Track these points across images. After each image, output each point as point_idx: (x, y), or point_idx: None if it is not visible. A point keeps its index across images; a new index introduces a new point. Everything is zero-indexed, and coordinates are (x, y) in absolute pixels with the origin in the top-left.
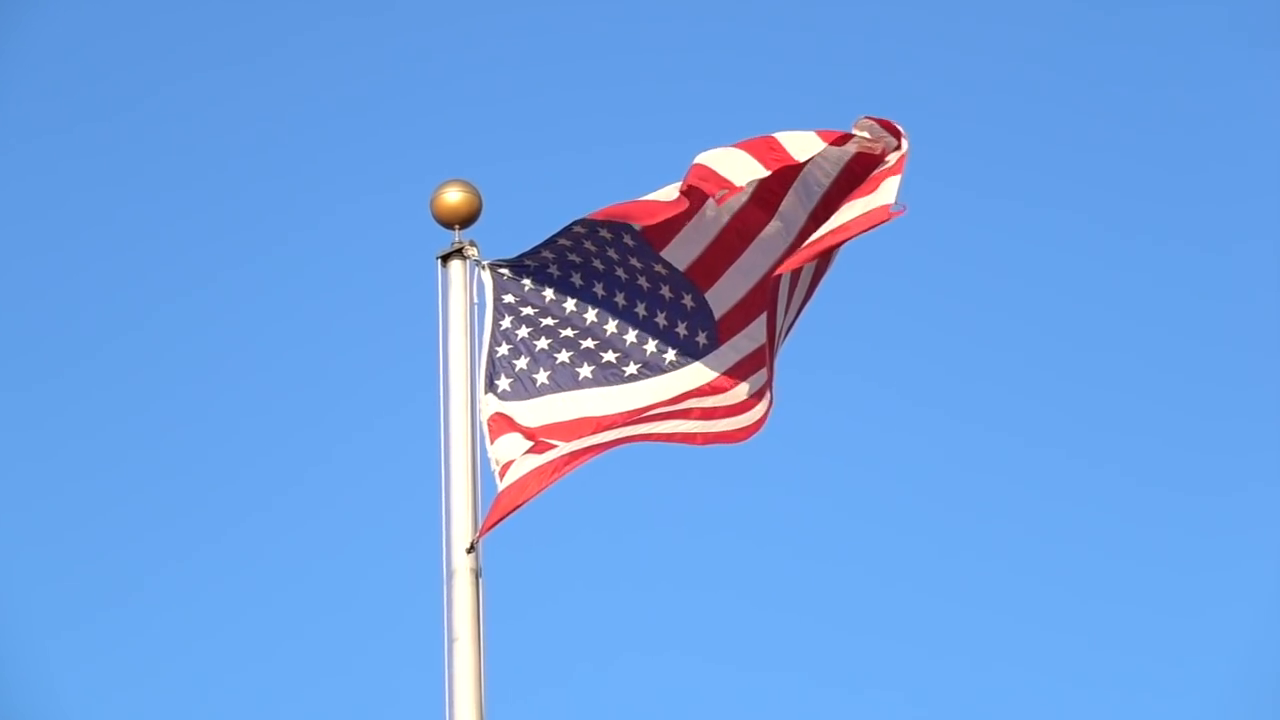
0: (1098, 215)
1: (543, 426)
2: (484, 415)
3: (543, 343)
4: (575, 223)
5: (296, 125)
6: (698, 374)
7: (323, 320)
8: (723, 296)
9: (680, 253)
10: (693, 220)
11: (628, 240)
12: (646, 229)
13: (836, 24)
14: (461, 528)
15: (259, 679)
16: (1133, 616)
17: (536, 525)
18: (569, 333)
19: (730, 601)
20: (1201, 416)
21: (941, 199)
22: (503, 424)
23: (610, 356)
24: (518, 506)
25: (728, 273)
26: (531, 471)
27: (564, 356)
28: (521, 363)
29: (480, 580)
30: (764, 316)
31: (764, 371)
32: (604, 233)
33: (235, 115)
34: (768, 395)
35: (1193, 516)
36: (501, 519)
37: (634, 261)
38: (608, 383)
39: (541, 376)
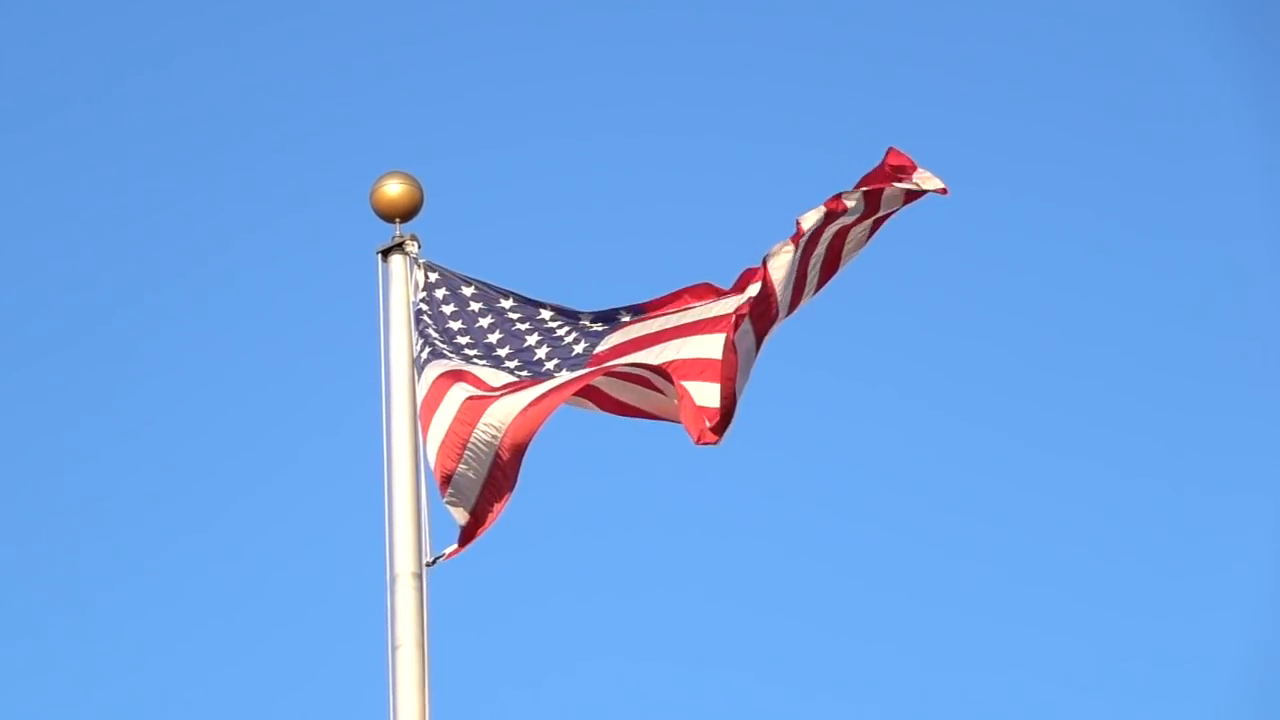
0: (1093, 212)
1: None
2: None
3: (430, 332)
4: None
5: (239, 123)
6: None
7: (266, 319)
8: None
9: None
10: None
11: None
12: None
13: (804, 17)
14: (404, 530)
15: (203, 689)
16: (1127, 618)
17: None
18: (456, 333)
19: (691, 603)
20: (1199, 417)
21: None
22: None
23: (475, 356)
24: (483, 528)
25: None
26: (489, 487)
27: (439, 345)
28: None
29: (425, 585)
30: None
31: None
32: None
33: (178, 112)
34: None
35: (1189, 517)
36: (471, 540)
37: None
38: (466, 363)
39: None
